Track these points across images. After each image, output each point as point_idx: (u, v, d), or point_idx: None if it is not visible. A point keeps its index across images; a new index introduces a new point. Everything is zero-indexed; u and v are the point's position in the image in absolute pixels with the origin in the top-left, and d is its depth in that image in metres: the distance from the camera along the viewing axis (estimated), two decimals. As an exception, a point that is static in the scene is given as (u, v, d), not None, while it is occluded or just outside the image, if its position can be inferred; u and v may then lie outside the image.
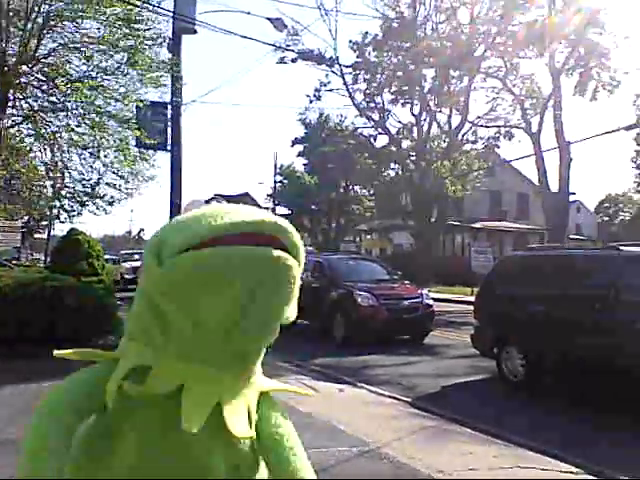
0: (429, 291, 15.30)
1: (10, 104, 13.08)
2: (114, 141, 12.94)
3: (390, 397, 7.66)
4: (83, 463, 1.36)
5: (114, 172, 13.39)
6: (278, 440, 1.45)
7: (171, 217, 14.52)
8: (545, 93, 27.76)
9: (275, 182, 44.84)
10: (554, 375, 8.12)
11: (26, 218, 29.31)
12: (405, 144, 34.12)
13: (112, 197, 13.80)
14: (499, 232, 36.97)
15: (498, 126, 31.39)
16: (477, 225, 36.88)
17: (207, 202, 1.74)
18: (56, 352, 1.45)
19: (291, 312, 1.45)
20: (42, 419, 1.32)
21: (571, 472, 4.85)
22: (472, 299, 13.51)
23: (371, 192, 40.93)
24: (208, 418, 1.30)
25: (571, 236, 34.45)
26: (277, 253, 1.27)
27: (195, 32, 15.46)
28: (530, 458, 5.15)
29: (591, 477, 4.80)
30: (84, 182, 13.65)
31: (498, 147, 32.61)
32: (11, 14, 12.19)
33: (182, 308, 1.30)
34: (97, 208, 13.84)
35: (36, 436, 1.29)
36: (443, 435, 5.92)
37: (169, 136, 14.97)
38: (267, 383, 1.51)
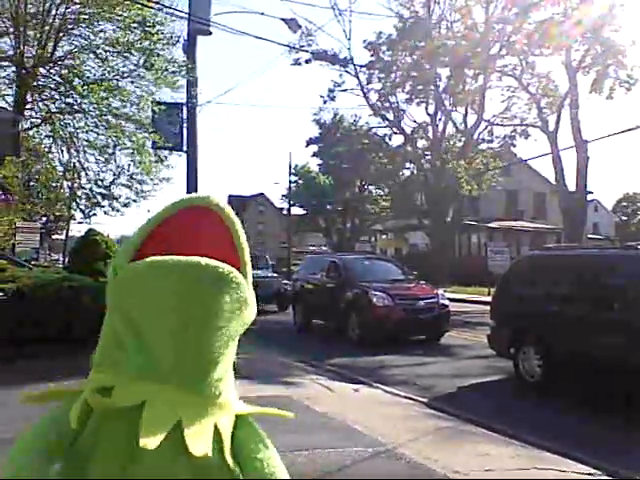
0: (445, 291, 15.23)
1: (28, 106, 13.24)
2: (130, 142, 13.06)
3: (406, 397, 7.63)
4: None
5: (130, 175, 13.52)
6: (257, 466, 1.40)
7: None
8: (561, 91, 27.55)
9: (290, 182, 44.87)
10: (571, 375, 8.04)
11: (44, 219, 29.63)
12: (420, 143, 34.02)
13: (127, 198, 13.93)
14: (516, 232, 36.72)
15: (514, 125, 31.18)
16: (493, 225, 36.65)
17: None
18: (25, 394, 1.42)
19: (246, 318, 1.39)
20: (13, 467, 1.31)
21: (589, 473, 4.81)
22: (488, 299, 13.43)
23: (386, 192, 40.83)
24: (172, 437, 1.28)
25: (589, 235, 34.13)
26: (205, 261, 1.28)
27: (210, 33, 15.53)
28: (547, 459, 5.11)
29: (608, 478, 4.75)
30: (99, 183, 13.79)
31: (514, 146, 32.41)
32: (28, 17, 12.33)
33: (122, 318, 1.33)
34: (112, 209, 13.98)
35: None
36: (459, 436, 5.89)
37: (184, 137, 15.06)
38: (243, 407, 1.46)
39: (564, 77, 26.45)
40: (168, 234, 1.33)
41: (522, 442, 5.60)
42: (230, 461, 1.35)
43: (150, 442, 1.23)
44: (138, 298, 1.29)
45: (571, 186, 26.36)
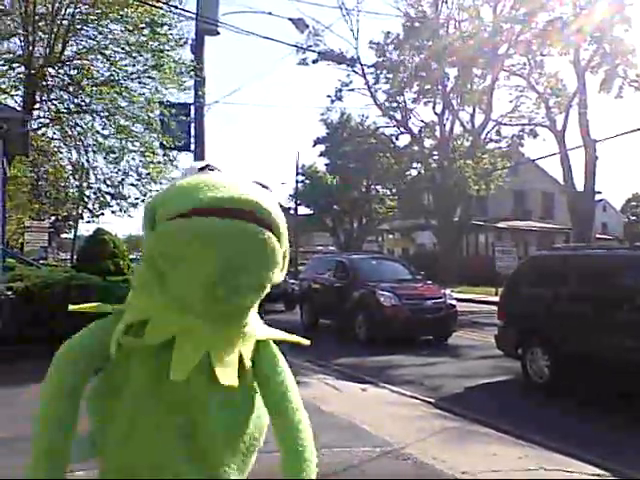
0: (452, 291, 15.20)
1: (37, 106, 13.31)
2: (139, 143, 13.10)
3: (413, 397, 7.63)
4: (93, 422, 1.52)
5: (139, 175, 13.57)
6: (272, 386, 1.54)
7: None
8: (570, 91, 27.43)
9: (297, 182, 44.85)
10: (580, 376, 8.01)
11: (53, 218, 29.81)
12: (427, 143, 33.96)
13: (136, 198, 13.98)
14: (523, 232, 36.58)
15: (522, 124, 31.08)
16: (501, 225, 36.52)
17: (201, 169, 1.76)
18: (71, 307, 1.67)
19: (274, 277, 1.52)
20: (60, 363, 1.47)
21: (597, 475, 4.79)
22: (496, 299, 13.39)
23: (393, 191, 40.76)
24: (202, 366, 1.40)
25: (597, 235, 33.94)
26: (250, 227, 1.38)
27: (218, 33, 15.54)
28: (555, 460, 5.09)
29: (616, 479, 4.73)
30: (108, 182, 13.85)
31: (522, 146, 32.30)
32: (37, 17, 12.39)
33: (174, 267, 1.41)
34: (120, 210, 14.03)
35: (53, 384, 1.45)
36: (466, 436, 5.88)
37: (192, 137, 15.09)
38: (263, 331, 1.58)
39: (573, 76, 26.39)
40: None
41: (530, 443, 5.59)
42: (251, 382, 1.51)
43: (178, 374, 1.36)
44: (182, 249, 1.38)
45: (579, 186, 26.27)
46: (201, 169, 1.50)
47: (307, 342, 1.63)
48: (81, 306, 1.61)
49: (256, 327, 1.56)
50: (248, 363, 1.48)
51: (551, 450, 5.37)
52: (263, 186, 1.53)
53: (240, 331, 1.49)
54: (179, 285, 1.41)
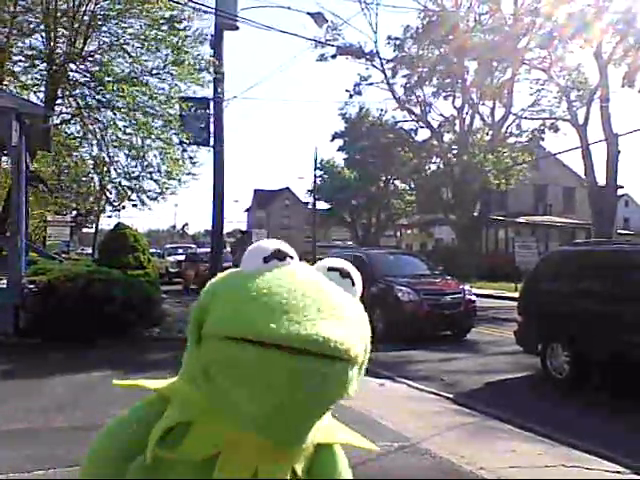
0: (471, 286, 15.11)
1: (59, 102, 13.46)
2: (160, 141, 13.20)
3: (431, 393, 7.61)
4: None
5: (159, 171, 13.68)
6: None
7: (214, 211, 14.83)
8: (592, 84, 27.06)
9: (315, 177, 44.89)
10: (601, 373, 7.93)
11: (74, 212, 30.15)
12: (447, 138, 33.73)
13: (156, 193, 14.11)
14: (544, 227, 36.24)
15: (543, 118, 30.73)
16: (521, 220, 36.22)
17: (267, 259, 1.42)
18: (115, 382, 1.45)
19: (349, 391, 1.27)
20: (91, 467, 1.32)
21: (617, 472, 4.75)
22: (516, 295, 13.29)
23: (412, 186, 40.60)
24: None
25: (619, 231, 33.49)
26: (322, 369, 1.13)
27: (237, 28, 15.58)
28: (574, 457, 5.06)
29: (637, 477, 4.68)
30: (128, 176, 13.99)
31: (543, 140, 31.97)
32: (59, 14, 12.52)
33: (233, 385, 1.19)
34: (141, 203, 14.17)
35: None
36: (485, 432, 5.86)
37: (211, 132, 15.17)
38: (325, 433, 1.33)
39: (595, 69, 26.02)
40: None
41: (549, 439, 5.55)
42: None
43: None
44: (230, 373, 1.16)
45: (601, 180, 25.93)
46: (266, 258, 1.23)
47: (375, 448, 1.43)
48: (125, 382, 1.40)
49: (319, 428, 1.31)
50: (300, 473, 1.30)
51: (570, 447, 5.33)
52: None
53: (298, 448, 1.27)
54: (236, 400, 1.20)
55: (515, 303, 10.38)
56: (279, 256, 1.23)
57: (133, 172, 13.95)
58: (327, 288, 1.22)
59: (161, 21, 12.43)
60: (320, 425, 1.30)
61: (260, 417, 1.15)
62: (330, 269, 1.29)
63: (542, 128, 30.97)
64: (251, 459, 1.23)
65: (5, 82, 13.33)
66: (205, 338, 1.19)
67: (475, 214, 31.51)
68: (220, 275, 1.31)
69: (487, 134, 31.82)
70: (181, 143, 13.86)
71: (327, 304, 1.16)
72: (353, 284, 1.31)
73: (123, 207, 14.67)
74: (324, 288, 1.21)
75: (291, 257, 1.25)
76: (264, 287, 1.16)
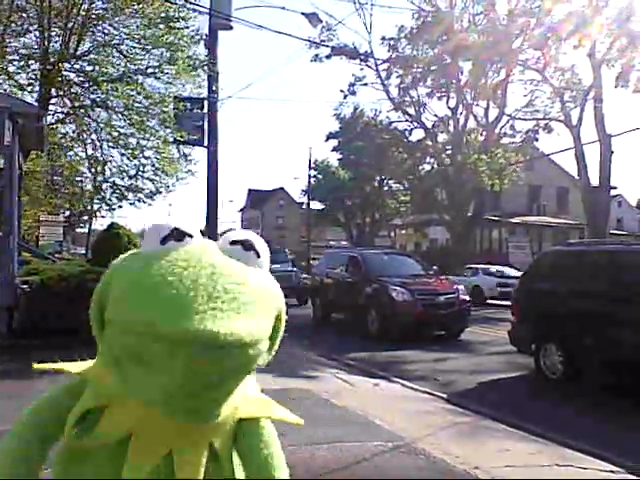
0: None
1: (53, 101, 13.41)
2: (155, 138, 13.17)
3: (425, 393, 7.63)
4: None
5: (154, 168, 13.65)
6: (255, 470, 1.33)
7: (208, 211, 14.81)
8: (585, 84, 27.15)
9: (309, 177, 44.89)
10: (594, 373, 7.97)
11: (68, 212, 30.05)
12: (441, 138, 33.78)
13: (151, 191, 14.09)
14: (538, 227, 36.35)
15: (537, 119, 30.80)
16: (515, 220, 36.31)
17: (164, 239, 1.21)
18: (35, 365, 1.48)
19: (257, 364, 1.27)
20: (7, 449, 1.32)
21: (611, 471, 4.77)
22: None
23: (406, 186, 40.62)
24: (163, 468, 1.24)
25: (612, 231, 33.63)
26: (216, 357, 1.13)
27: (231, 28, 15.54)
28: (568, 456, 5.08)
29: (631, 477, 4.70)
30: (123, 175, 13.96)
31: (537, 140, 32.03)
32: (53, 13, 12.47)
33: (133, 365, 1.21)
34: (138, 201, 14.16)
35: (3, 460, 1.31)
36: (479, 431, 5.88)
37: (205, 132, 15.13)
38: (248, 407, 1.34)
39: (588, 70, 26.11)
40: None
41: (543, 439, 5.57)
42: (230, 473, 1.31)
43: (134, 477, 1.21)
44: (131, 360, 1.19)
45: (594, 181, 26.02)
46: (165, 238, 1.23)
47: (301, 422, 1.39)
48: (46, 365, 1.44)
49: (240, 402, 1.32)
50: (223, 453, 1.30)
51: (565, 446, 5.34)
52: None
53: (213, 422, 1.26)
54: (138, 384, 1.20)
55: (509, 303, 10.42)
56: (177, 236, 1.23)
57: (128, 171, 13.93)
58: (222, 270, 1.19)
59: (157, 20, 12.40)
60: (242, 400, 1.31)
61: (163, 399, 1.18)
62: (233, 242, 1.28)
63: (536, 129, 31.05)
64: (164, 438, 1.24)
65: (-2, 81, 13.28)
66: (107, 324, 1.23)
67: (469, 214, 31.55)
68: (120, 256, 1.33)
69: (481, 134, 31.86)
70: (175, 141, 13.84)
71: (220, 288, 1.15)
72: (258, 256, 1.28)
73: (120, 206, 14.65)
74: (218, 270, 1.19)
75: (190, 236, 1.24)
76: (157, 275, 1.16)
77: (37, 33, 12.81)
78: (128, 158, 13.59)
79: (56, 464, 1.36)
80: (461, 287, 13.47)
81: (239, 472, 1.34)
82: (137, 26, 12.59)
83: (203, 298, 1.13)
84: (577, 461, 4.94)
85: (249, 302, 1.18)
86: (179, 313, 1.11)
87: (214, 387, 1.21)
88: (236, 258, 1.25)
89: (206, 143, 15.03)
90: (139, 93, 12.59)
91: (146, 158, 13.53)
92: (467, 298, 12.99)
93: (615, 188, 31.93)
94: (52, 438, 1.34)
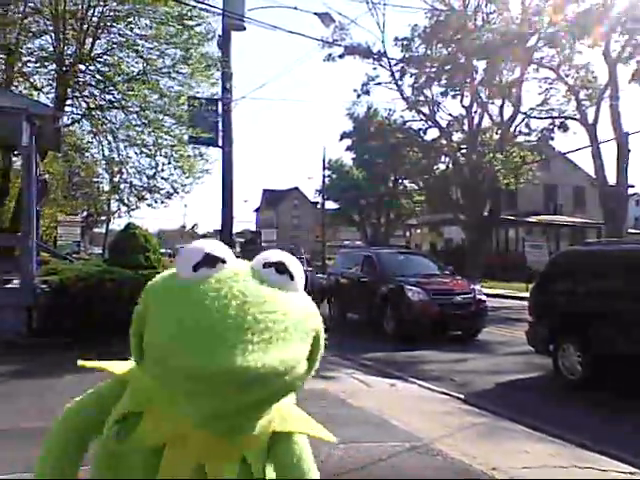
0: (482, 286, 15.07)
1: (69, 102, 13.54)
2: (169, 137, 13.27)
3: (442, 393, 7.59)
4: None
5: (170, 168, 13.76)
6: None
7: (223, 211, 14.88)
8: (601, 82, 26.89)
9: (324, 176, 44.91)
10: (613, 374, 7.87)
11: (85, 213, 30.33)
12: (456, 137, 33.61)
13: (168, 192, 14.20)
14: (554, 226, 36.05)
15: (552, 117, 30.53)
16: (531, 219, 36.04)
17: (196, 266, 1.16)
18: (80, 362, 1.50)
19: (294, 389, 1.27)
20: (50, 441, 1.37)
21: (630, 473, 4.71)
22: (527, 295, 13.23)
23: (421, 186, 40.50)
24: (193, 478, 1.26)
25: (629, 230, 33.27)
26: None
27: (244, 29, 15.63)
28: (587, 458, 5.03)
29: (653, 478, 4.65)
30: (140, 176, 14.08)
31: (552, 139, 31.76)
32: (68, 15, 12.59)
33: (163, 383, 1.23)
34: (155, 201, 14.27)
35: (45, 459, 1.36)
36: (497, 432, 5.83)
37: (220, 132, 15.21)
38: (281, 423, 1.34)
39: (604, 68, 25.85)
40: None
41: (561, 440, 5.52)
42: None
43: None
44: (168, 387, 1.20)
45: (611, 179, 25.77)
46: (197, 264, 1.20)
47: (334, 439, 1.38)
48: (90, 363, 1.47)
49: (275, 416, 1.32)
50: (256, 467, 1.30)
51: (584, 448, 5.29)
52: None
53: (247, 437, 1.27)
54: (176, 401, 1.22)
55: (526, 303, 10.34)
56: (209, 263, 1.20)
57: (145, 171, 14.05)
58: (253, 299, 1.16)
59: (170, 20, 12.48)
60: (277, 414, 1.31)
61: (198, 416, 1.18)
62: (266, 265, 1.24)
63: (551, 127, 30.78)
64: (197, 450, 1.25)
65: (15, 83, 13.42)
66: (145, 351, 1.21)
67: (485, 214, 31.36)
68: (157, 280, 1.29)
69: (496, 133, 31.67)
70: (191, 139, 13.93)
71: (250, 319, 1.13)
72: (292, 278, 1.25)
73: (137, 207, 14.77)
74: (249, 300, 1.16)
75: (223, 261, 1.21)
76: (186, 308, 1.14)
77: (52, 35, 12.94)
78: (147, 155, 13.70)
79: (92, 466, 1.38)
80: (477, 287, 13.38)
81: None
82: (151, 26, 12.68)
83: (232, 331, 1.11)
84: (596, 462, 4.89)
85: (282, 330, 1.15)
86: (207, 349, 1.09)
87: (249, 410, 1.21)
88: (269, 282, 1.21)
89: (221, 143, 15.11)
90: (154, 92, 12.69)
91: (165, 156, 13.63)
92: (484, 298, 12.90)
93: (632, 187, 31.56)
94: (92, 437, 1.38)
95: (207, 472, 1.25)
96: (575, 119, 28.27)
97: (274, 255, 1.27)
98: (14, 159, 14.28)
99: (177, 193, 14.31)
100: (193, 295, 1.16)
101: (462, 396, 7.44)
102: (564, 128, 30.21)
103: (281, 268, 1.24)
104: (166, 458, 1.25)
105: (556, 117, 30.30)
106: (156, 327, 1.18)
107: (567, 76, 28.03)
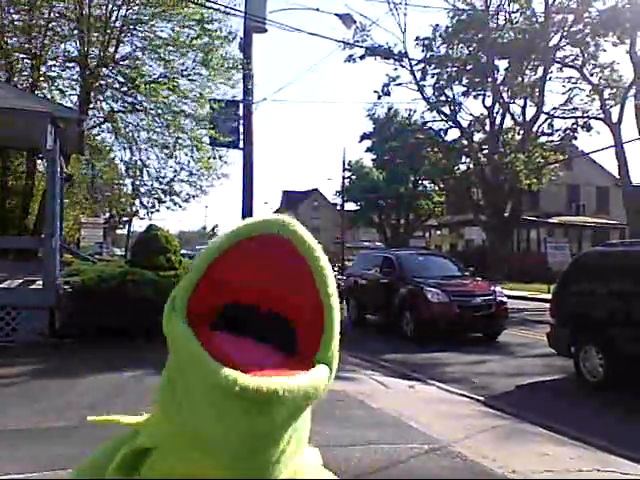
0: (503, 288, 14.94)
1: (91, 105, 13.74)
2: (189, 140, 13.40)
3: (462, 395, 7.55)
4: None
5: (190, 171, 13.89)
6: None
7: (243, 212, 14.97)
8: (626, 81, 26.51)
9: (343, 178, 44.88)
10: (636, 375, 7.76)
11: (107, 215, 30.68)
12: (477, 137, 33.39)
13: (187, 194, 14.33)
14: (577, 227, 35.60)
15: (575, 117, 30.18)
16: (553, 220, 35.64)
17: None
18: (89, 418, 1.39)
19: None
20: None
21: (654, 477, 4.65)
22: (548, 296, 13.09)
23: (441, 187, 40.28)
24: None
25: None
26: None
27: (266, 31, 15.67)
28: (609, 461, 4.97)
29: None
30: (160, 179, 14.24)
31: (575, 139, 31.39)
32: (92, 20, 12.77)
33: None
34: (174, 204, 14.41)
35: None
36: (517, 435, 5.79)
37: (241, 134, 15.29)
38: (292, 473, 1.29)
39: (629, 67, 25.48)
40: (227, 271, 0.96)
41: (583, 443, 5.46)
42: None
43: None
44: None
45: (636, 179, 25.43)
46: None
47: None
48: (100, 418, 1.36)
49: (299, 468, 1.28)
50: None
51: (605, 451, 5.24)
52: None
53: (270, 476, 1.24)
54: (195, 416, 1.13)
55: (547, 305, 10.24)
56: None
57: (165, 175, 14.21)
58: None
59: (191, 23, 12.61)
60: (301, 467, 1.18)
61: (224, 446, 1.04)
62: None
63: (574, 127, 30.41)
64: None
65: (40, 86, 13.64)
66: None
67: (506, 214, 31.09)
68: None
69: (518, 133, 31.38)
70: (211, 140, 14.05)
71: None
72: None
73: (157, 210, 14.94)
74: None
75: None
76: None
77: (76, 39, 13.14)
78: (167, 156, 13.85)
79: None
80: (498, 288, 13.28)
81: None
82: (172, 29, 12.83)
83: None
84: (618, 466, 4.84)
85: None
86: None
87: (278, 428, 1.08)
88: None
89: (242, 145, 15.20)
90: (176, 94, 12.83)
91: (182, 156, 13.78)
92: (504, 299, 12.79)
93: (657, 187, 31.02)
94: None
95: None
96: (599, 119, 27.93)
97: None
98: (38, 162, 14.52)
99: (196, 197, 14.46)
100: None
101: (482, 398, 7.39)
102: (587, 128, 29.84)
103: None
104: None
105: (579, 117, 29.95)
106: None
107: (592, 75, 27.71)
